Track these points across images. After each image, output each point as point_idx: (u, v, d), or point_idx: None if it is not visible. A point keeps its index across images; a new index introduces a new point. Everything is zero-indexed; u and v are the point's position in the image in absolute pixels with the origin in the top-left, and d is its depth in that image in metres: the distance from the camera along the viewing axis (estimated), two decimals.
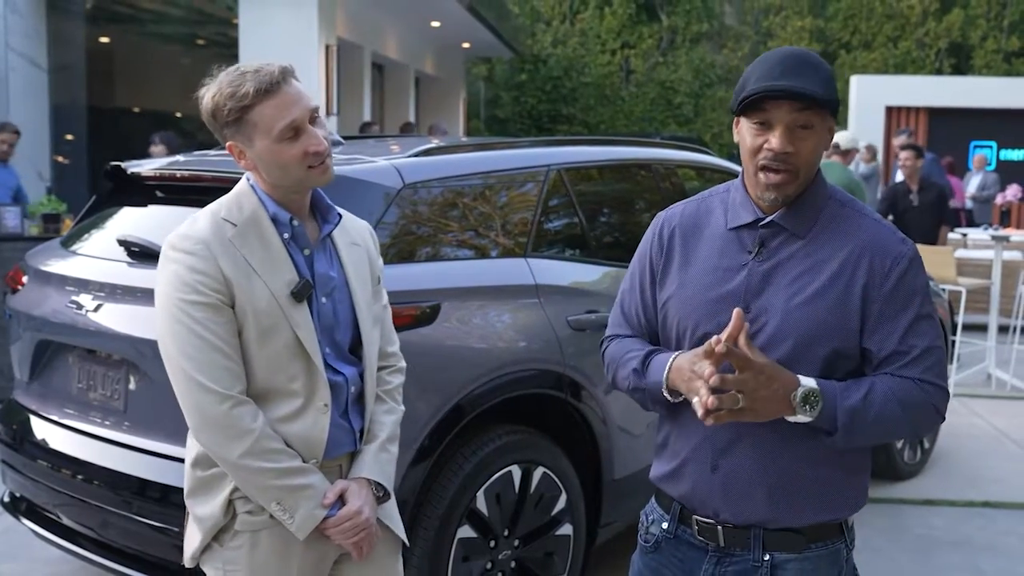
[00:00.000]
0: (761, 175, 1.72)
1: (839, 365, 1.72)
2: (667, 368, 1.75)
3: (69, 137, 11.47)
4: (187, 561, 2.04)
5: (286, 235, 1.95)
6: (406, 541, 2.19)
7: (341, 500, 1.97)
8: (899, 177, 10.13)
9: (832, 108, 1.71)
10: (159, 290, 1.92)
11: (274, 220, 1.94)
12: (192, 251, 1.88)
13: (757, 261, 1.76)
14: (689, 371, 1.68)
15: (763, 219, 1.77)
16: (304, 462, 1.94)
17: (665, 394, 1.77)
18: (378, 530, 2.05)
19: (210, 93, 1.89)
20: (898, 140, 10.31)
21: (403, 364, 2.22)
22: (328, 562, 2.05)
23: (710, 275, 1.80)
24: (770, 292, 1.73)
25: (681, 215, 1.90)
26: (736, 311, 1.64)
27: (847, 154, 7.33)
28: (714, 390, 1.61)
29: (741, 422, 1.68)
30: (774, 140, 1.69)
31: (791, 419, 1.67)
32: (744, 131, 1.75)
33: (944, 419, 1.78)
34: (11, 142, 7.70)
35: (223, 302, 1.87)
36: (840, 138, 7.38)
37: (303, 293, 1.92)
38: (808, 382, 1.66)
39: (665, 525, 1.88)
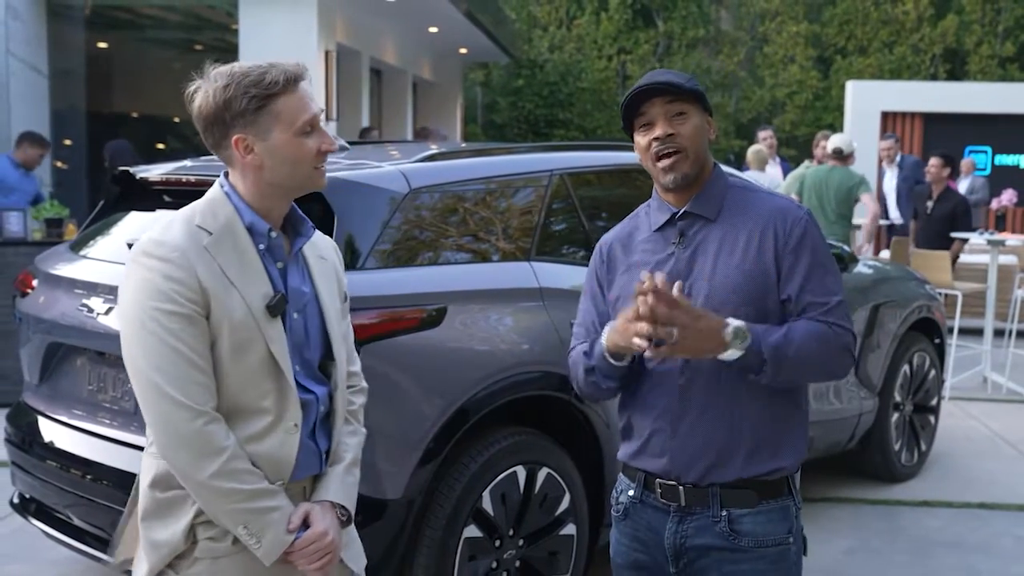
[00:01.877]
0: (658, 164, 2.00)
1: (768, 317, 1.95)
2: (604, 334, 1.98)
3: (68, 142, 11.51)
4: None
5: (261, 246, 1.87)
6: (358, 570, 2.06)
7: (305, 523, 1.87)
8: (887, 180, 10.18)
9: (699, 98, 2.00)
10: (126, 297, 1.82)
11: (250, 230, 1.86)
12: (167, 258, 1.78)
13: (681, 248, 2.03)
14: (622, 324, 1.90)
15: (678, 212, 2.04)
16: (271, 483, 1.84)
17: (608, 358, 1.97)
18: (340, 554, 1.95)
19: (220, 85, 1.81)
20: (884, 143, 10.33)
21: (365, 385, 2.13)
22: None
23: (641, 274, 1.99)
24: (696, 271, 2.00)
25: (615, 234, 2.19)
26: (659, 274, 1.86)
27: (847, 158, 7.38)
28: (648, 324, 1.81)
29: (691, 394, 1.95)
30: (657, 129, 1.99)
31: (723, 357, 1.86)
32: (637, 140, 2.04)
33: (855, 360, 2.03)
34: (43, 154, 7.85)
35: (198, 313, 1.78)
36: (840, 142, 7.43)
37: (278, 308, 1.85)
38: (735, 321, 1.87)
39: (632, 492, 2.08)
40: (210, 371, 1.81)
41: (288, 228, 1.95)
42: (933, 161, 8.14)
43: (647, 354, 1.85)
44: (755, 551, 1.96)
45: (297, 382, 1.89)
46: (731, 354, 1.86)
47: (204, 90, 1.83)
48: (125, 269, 1.84)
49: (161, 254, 1.79)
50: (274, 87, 1.81)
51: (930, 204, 8.06)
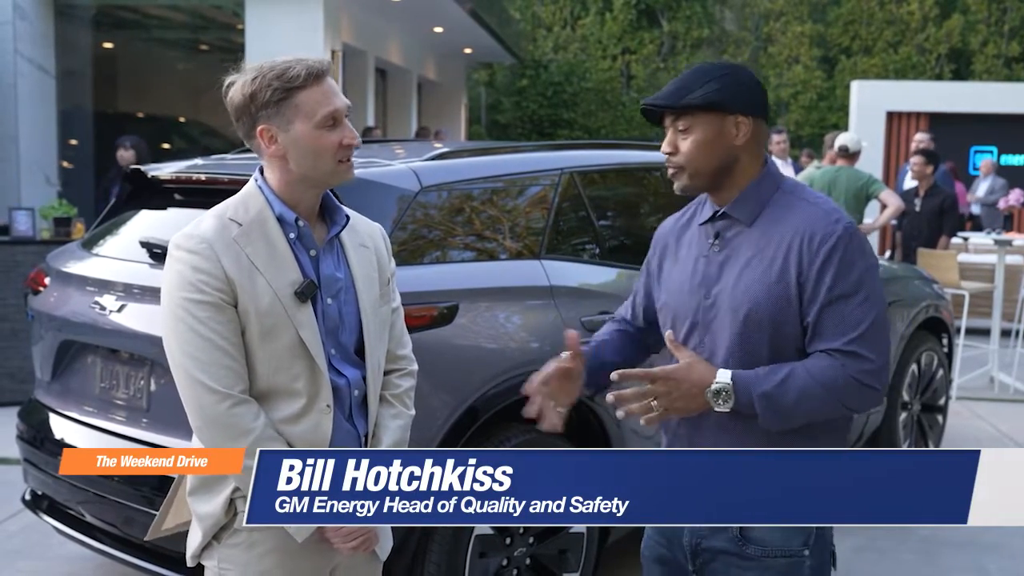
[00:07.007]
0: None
1: (786, 340, 1.88)
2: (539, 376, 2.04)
3: (73, 142, 11.54)
4: (189, 560, 2.04)
5: (292, 235, 1.95)
6: (383, 557, 2.15)
7: None
8: (906, 182, 10.16)
9: (708, 107, 1.90)
10: (164, 289, 1.93)
11: (280, 220, 1.94)
12: (195, 250, 1.89)
13: (715, 251, 1.96)
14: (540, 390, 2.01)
15: (718, 211, 1.98)
16: None
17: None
18: (376, 536, 2.04)
19: (248, 77, 1.90)
20: (919, 135, 10.21)
21: (414, 367, 2.20)
22: (324, 572, 2.04)
23: (685, 268, 2.02)
24: (724, 277, 1.93)
25: (671, 223, 2.15)
26: (569, 334, 1.98)
27: (854, 156, 7.38)
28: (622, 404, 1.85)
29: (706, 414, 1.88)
30: (664, 143, 1.97)
31: (717, 409, 1.84)
32: None
33: (880, 392, 1.86)
34: None
35: (225, 301, 1.88)
36: (847, 140, 7.44)
37: (307, 293, 1.92)
38: (722, 376, 1.84)
39: None
40: (240, 356, 1.91)
41: (325, 217, 2.03)
42: (915, 159, 8.18)
43: (642, 422, 1.86)
44: (762, 560, 1.89)
45: (332, 365, 1.97)
46: (720, 409, 1.84)
47: (235, 83, 1.93)
48: (165, 263, 1.95)
49: (190, 247, 1.90)
50: (296, 80, 1.89)
51: (918, 201, 8.09)
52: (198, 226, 1.94)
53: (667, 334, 1.92)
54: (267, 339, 1.90)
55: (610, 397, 1.85)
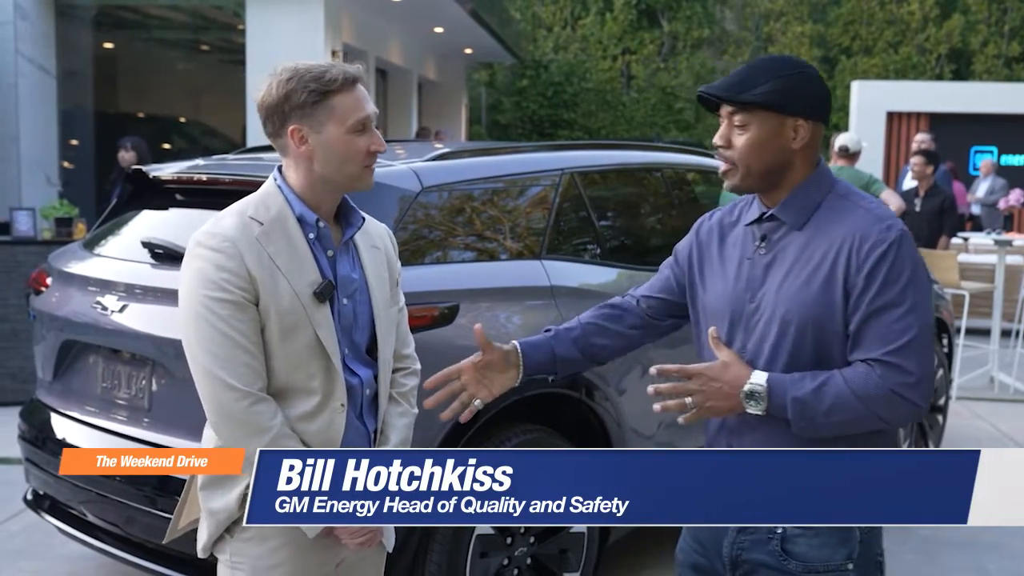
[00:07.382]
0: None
1: (831, 347, 1.81)
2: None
3: (74, 142, 11.55)
4: (200, 552, 2.08)
5: (311, 235, 1.98)
6: (389, 548, 2.20)
7: None
8: (906, 182, 10.15)
9: (768, 106, 1.82)
10: (184, 286, 1.94)
11: (300, 220, 1.97)
12: (219, 248, 1.90)
13: (760, 253, 1.90)
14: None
15: (766, 213, 1.91)
16: None
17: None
18: (382, 531, 2.09)
19: (284, 77, 1.93)
20: (919, 135, 10.21)
21: (418, 366, 2.23)
22: (331, 566, 2.07)
23: (729, 269, 1.95)
24: (769, 281, 1.87)
25: (716, 219, 2.06)
26: (475, 328, 2.05)
27: (854, 156, 7.39)
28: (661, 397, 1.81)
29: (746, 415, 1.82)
30: (717, 134, 1.89)
31: (749, 411, 1.80)
32: None
33: (920, 408, 1.78)
34: None
35: (248, 300, 1.90)
36: (847, 140, 7.44)
37: (325, 294, 1.95)
38: (756, 378, 1.79)
39: None
40: (259, 354, 1.93)
41: (340, 218, 2.06)
42: (916, 159, 8.20)
43: (680, 420, 1.83)
44: None
45: (346, 364, 2.01)
46: (752, 411, 1.79)
47: (268, 82, 1.95)
48: (185, 260, 1.96)
49: (213, 245, 1.92)
50: (333, 84, 1.93)
51: (918, 201, 8.11)
52: (219, 224, 1.95)
53: (710, 331, 1.87)
54: (286, 338, 1.93)
55: (650, 389, 1.81)
